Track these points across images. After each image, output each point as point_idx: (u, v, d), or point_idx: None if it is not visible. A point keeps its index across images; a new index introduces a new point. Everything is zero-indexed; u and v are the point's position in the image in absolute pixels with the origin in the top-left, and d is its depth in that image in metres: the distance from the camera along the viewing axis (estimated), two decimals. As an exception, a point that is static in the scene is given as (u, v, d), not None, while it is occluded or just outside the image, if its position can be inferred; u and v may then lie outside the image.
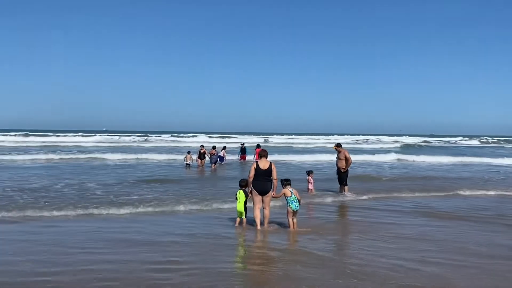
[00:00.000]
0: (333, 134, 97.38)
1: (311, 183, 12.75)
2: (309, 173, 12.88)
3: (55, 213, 9.32)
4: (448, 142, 73.97)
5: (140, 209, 9.92)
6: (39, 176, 15.88)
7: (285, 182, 7.99)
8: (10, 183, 14.00)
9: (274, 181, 8.07)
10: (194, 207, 10.32)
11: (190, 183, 15.22)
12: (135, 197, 11.47)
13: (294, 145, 49.95)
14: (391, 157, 29.15)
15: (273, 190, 8.10)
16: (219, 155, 22.19)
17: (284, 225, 8.27)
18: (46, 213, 9.28)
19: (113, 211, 9.66)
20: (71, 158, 25.54)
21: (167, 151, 31.96)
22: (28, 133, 68.31)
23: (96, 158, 25.70)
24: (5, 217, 9.01)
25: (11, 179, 14.97)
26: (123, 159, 25.42)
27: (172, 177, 16.45)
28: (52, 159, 24.76)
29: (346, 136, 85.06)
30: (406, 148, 46.57)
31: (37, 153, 27.16)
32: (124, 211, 9.71)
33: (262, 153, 8.38)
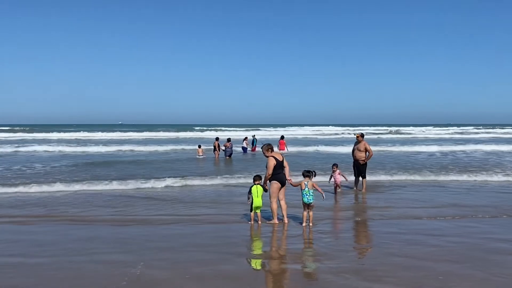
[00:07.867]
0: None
1: (337, 178, 11.36)
2: (333, 166, 11.58)
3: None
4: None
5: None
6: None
7: (306, 173, 7.90)
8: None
9: (287, 167, 8.14)
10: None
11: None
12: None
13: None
14: None
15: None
16: (242, 146, 23.25)
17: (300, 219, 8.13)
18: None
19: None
20: None
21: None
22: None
23: None
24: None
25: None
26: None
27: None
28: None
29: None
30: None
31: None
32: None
33: (269, 146, 8.23)
